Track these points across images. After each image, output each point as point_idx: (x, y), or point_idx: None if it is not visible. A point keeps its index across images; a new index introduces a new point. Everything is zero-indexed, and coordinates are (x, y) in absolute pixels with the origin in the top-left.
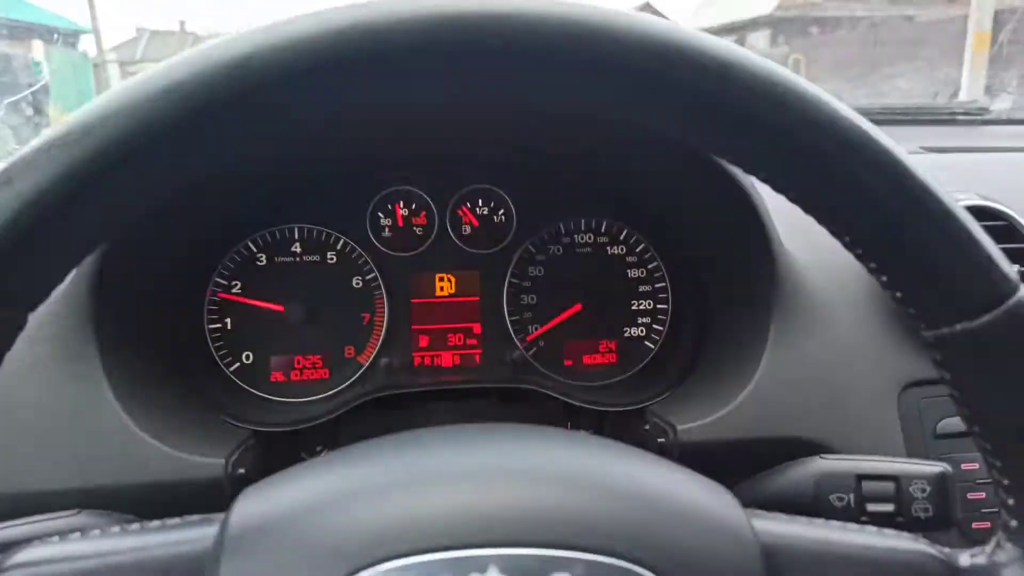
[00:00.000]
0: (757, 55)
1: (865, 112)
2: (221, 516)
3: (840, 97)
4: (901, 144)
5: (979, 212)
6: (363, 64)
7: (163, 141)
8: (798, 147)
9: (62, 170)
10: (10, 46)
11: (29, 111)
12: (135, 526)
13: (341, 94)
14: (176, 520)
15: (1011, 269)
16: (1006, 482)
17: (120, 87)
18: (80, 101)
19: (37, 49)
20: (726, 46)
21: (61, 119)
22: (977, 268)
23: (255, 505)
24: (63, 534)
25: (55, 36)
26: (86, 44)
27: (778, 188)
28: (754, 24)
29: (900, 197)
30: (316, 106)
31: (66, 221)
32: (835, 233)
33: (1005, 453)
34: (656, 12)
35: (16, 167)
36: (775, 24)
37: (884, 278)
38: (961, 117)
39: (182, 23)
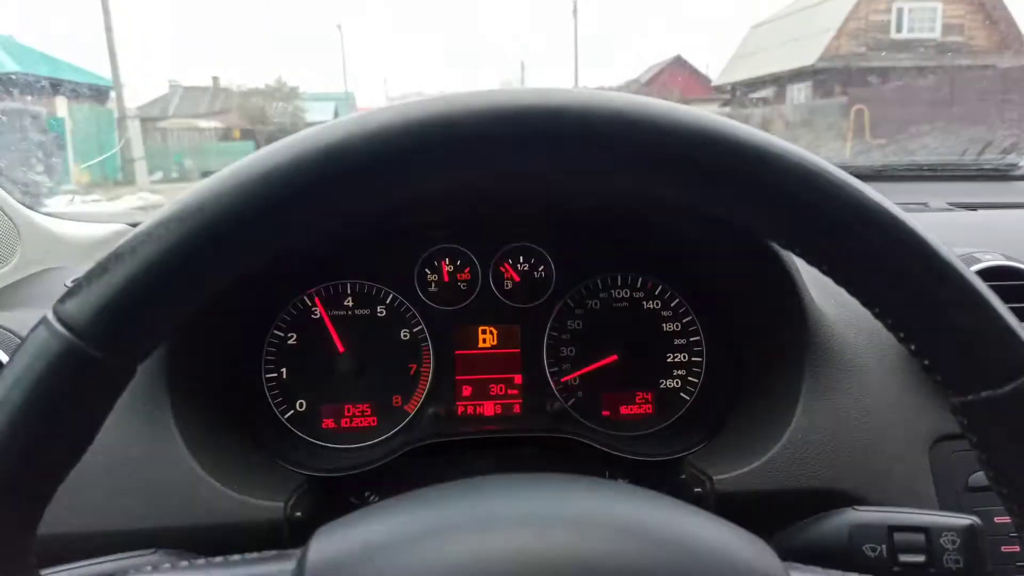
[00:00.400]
0: (787, 143)
1: (893, 169)
2: (298, 552)
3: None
4: (928, 199)
5: (1003, 272)
6: (465, 151)
7: (262, 220)
8: (830, 228)
9: (177, 240)
10: (32, 102)
11: (40, 167)
12: (219, 559)
13: (426, 179)
14: (255, 555)
15: None
16: None
17: (229, 170)
18: (102, 156)
19: (61, 105)
20: (761, 136)
21: (81, 174)
22: (999, 340)
23: (331, 543)
24: (152, 567)
25: (81, 92)
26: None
27: (811, 262)
28: (798, 75)
29: (925, 274)
30: (401, 190)
31: (177, 284)
32: (865, 304)
33: None
34: (687, 65)
35: (139, 238)
36: (821, 74)
37: (912, 347)
38: (990, 173)
39: (215, 79)
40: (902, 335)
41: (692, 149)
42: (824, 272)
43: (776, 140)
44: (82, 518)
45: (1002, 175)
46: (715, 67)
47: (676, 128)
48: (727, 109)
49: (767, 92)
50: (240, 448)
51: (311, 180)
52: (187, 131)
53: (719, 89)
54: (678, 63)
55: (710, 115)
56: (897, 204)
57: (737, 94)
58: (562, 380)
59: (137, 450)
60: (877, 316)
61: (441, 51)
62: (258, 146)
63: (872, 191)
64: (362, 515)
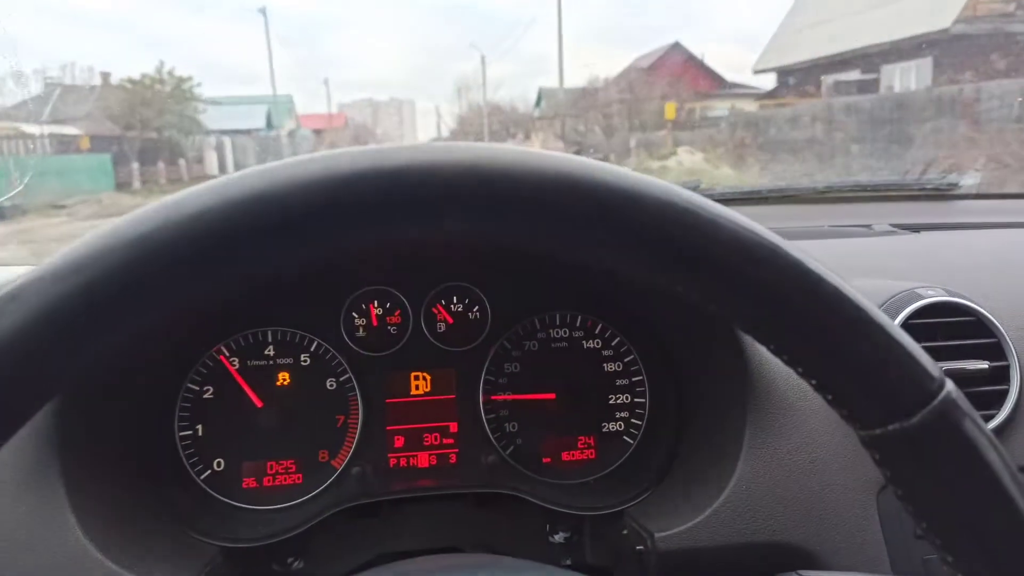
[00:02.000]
0: (649, 179)
1: (836, 190)
2: None
3: None
4: (869, 220)
5: (947, 308)
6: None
7: (137, 286)
8: (710, 267)
9: (43, 308)
10: None
11: None
12: None
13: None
14: None
15: (935, 367)
16: None
17: (101, 231)
18: None
19: None
20: (626, 175)
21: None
22: (901, 370)
23: None
24: None
25: None
26: None
27: (699, 303)
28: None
29: (814, 305)
30: (289, 258)
31: (42, 358)
32: (759, 340)
33: (954, 547)
34: (687, 52)
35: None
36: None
37: (813, 382)
38: (932, 192)
39: (105, 75)
40: (800, 370)
41: (554, 196)
42: (712, 312)
43: (640, 177)
44: None
45: (942, 195)
46: (713, 54)
47: (531, 178)
48: (772, 102)
49: (850, 75)
50: (144, 520)
51: (181, 251)
52: (12, 138)
53: (759, 73)
54: (676, 49)
55: (569, 158)
56: (840, 226)
57: (792, 81)
58: (504, 437)
59: (22, 528)
60: (773, 352)
61: (394, 39)
62: (116, 160)
63: (750, 223)
64: None
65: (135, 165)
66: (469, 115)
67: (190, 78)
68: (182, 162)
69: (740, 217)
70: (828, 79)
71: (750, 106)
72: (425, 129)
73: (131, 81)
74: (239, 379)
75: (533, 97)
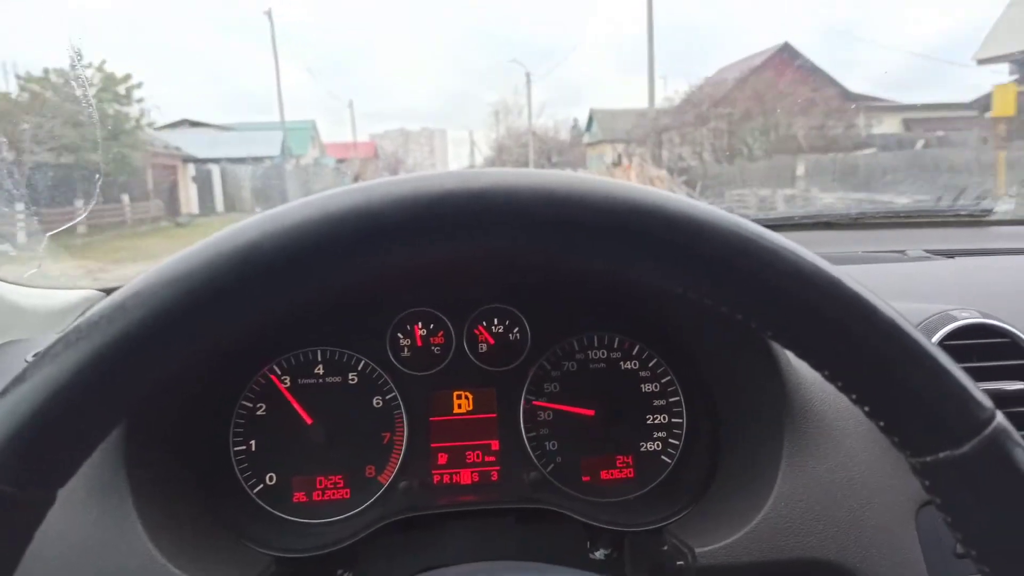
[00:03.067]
0: (719, 210)
1: (870, 216)
2: None
3: None
4: (906, 246)
5: (981, 330)
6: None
7: (177, 330)
8: (770, 294)
9: (84, 360)
10: None
11: None
12: None
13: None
14: None
15: (985, 398)
16: None
17: (145, 275)
18: None
19: None
20: (695, 205)
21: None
22: (953, 399)
23: None
24: None
25: None
26: None
27: (758, 329)
28: None
29: (870, 336)
30: (336, 283)
31: (89, 405)
32: (814, 367)
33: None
34: (797, 53)
35: (41, 357)
36: None
37: (866, 409)
38: (966, 218)
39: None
40: (854, 397)
41: (626, 222)
42: (770, 338)
43: (708, 208)
44: None
45: (976, 220)
46: (822, 54)
47: (607, 203)
48: None
49: None
50: (204, 529)
51: (226, 286)
52: None
53: (984, 63)
54: (786, 50)
55: (634, 187)
56: (874, 252)
57: None
58: (545, 455)
59: (93, 537)
60: (827, 379)
61: (425, 67)
62: None
63: (809, 253)
64: None
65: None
66: (508, 142)
67: (127, 76)
68: (125, 198)
69: (802, 249)
70: None
71: (893, 120)
72: (458, 158)
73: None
74: (289, 397)
75: (571, 123)
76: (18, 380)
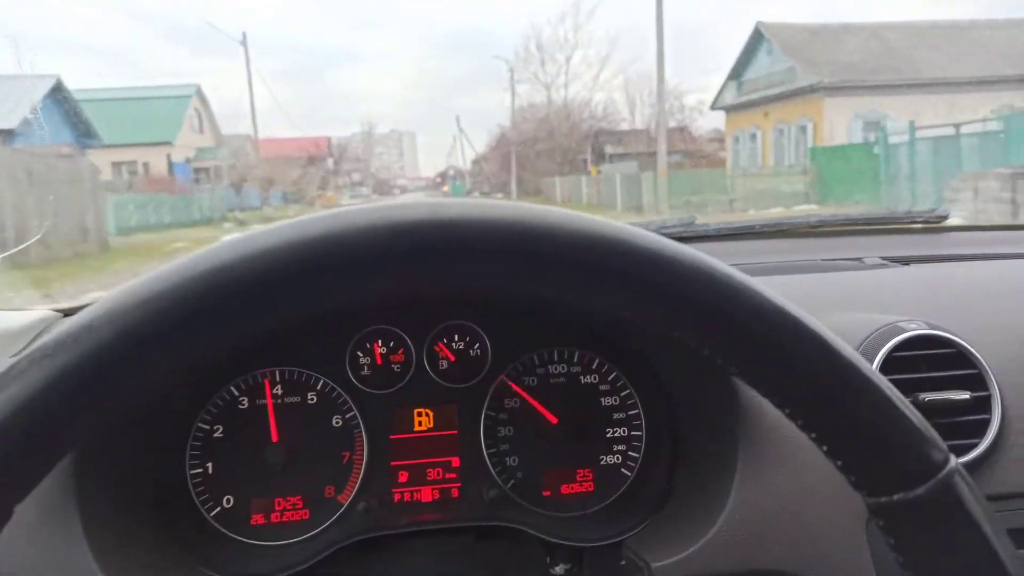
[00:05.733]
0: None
1: (828, 224)
2: None
3: None
4: (861, 253)
5: (927, 340)
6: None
7: (143, 348)
8: (734, 334)
9: (51, 378)
10: None
11: None
12: None
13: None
14: None
15: (940, 442)
16: None
17: (107, 297)
18: None
19: None
20: (655, 239)
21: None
22: (909, 442)
23: None
24: None
25: None
26: None
27: (722, 366)
28: None
29: (830, 377)
30: (300, 310)
31: (53, 423)
32: (776, 404)
33: None
34: None
35: (9, 375)
36: None
37: (824, 448)
38: (921, 225)
39: None
40: (813, 436)
41: (579, 255)
42: (733, 374)
43: (670, 243)
44: None
45: (932, 227)
46: None
47: (566, 236)
48: None
49: None
50: (158, 553)
51: (198, 308)
52: None
53: None
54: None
55: (588, 218)
56: (832, 259)
57: None
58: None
59: (42, 559)
60: (788, 416)
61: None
62: None
63: (777, 296)
64: None
65: None
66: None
67: None
68: None
69: (767, 290)
70: None
71: None
72: (427, 161)
73: None
74: (247, 418)
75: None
76: None
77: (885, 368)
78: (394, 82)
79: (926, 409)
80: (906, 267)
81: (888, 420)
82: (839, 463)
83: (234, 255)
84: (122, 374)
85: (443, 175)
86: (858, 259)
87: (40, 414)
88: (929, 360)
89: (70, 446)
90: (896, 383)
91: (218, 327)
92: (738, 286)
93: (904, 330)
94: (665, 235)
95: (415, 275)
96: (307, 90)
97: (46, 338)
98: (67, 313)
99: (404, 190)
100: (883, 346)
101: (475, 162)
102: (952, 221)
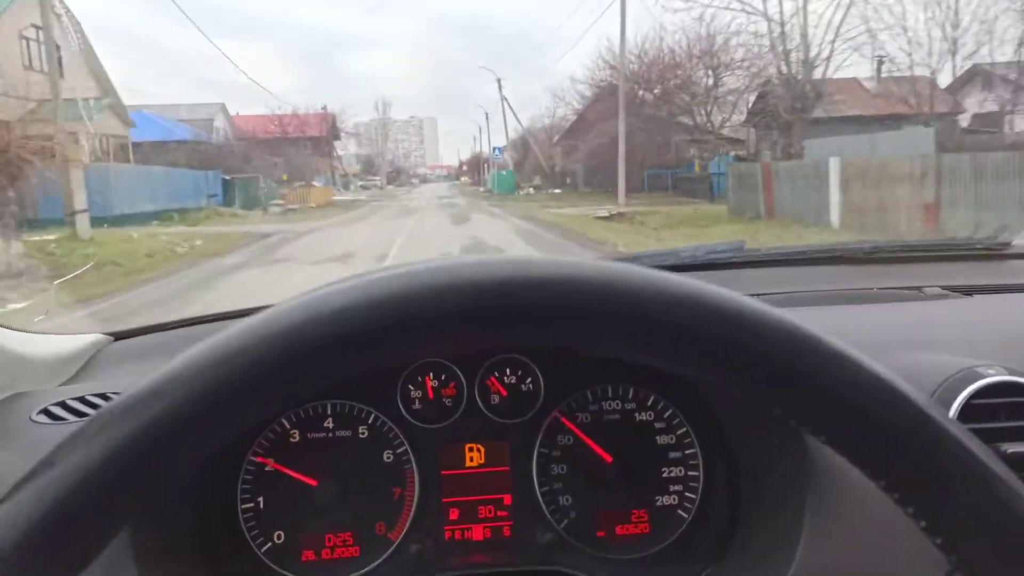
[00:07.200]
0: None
1: (884, 251)
2: None
3: None
4: (919, 282)
5: (1009, 388)
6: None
7: (224, 410)
8: (822, 404)
9: (116, 444)
10: None
11: None
12: None
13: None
14: None
15: None
16: None
17: (178, 361)
18: None
19: None
20: (717, 293)
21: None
22: (1010, 512)
23: None
24: None
25: None
26: None
27: (804, 430)
28: None
29: (932, 451)
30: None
31: (119, 492)
32: (869, 477)
33: None
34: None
35: (72, 438)
36: None
37: (922, 524)
38: (982, 252)
39: None
40: (909, 511)
41: (643, 310)
42: (823, 442)
43: (731, 296)
44: None
45: (994, 254)
46: None
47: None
48: None
49: None
50: None
51: (272, 370)
52: None
53: None
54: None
55: (657, 275)
56: (889, 288)
57: None
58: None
59: None
60: (882, 489)
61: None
62: None
63: (869, 361)
64: None
65: None
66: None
67: None
68: None
69: (861, 356)
70: None
71: None
72: (448, 149)
73: None
74: (299, 451)
75: None
76: (46, 463)
77: (962, 417)
78: (411, 67)
79: (1009, 461)
80: (969, 298)
81: (990, 496)
82: (938, 541)
83: (305, 316)
84: (191, 439)
85: (475, 160)
86: (917, 288)
87: (106, 484)
88: (1010, 408)
89: (136, 511)
90: (974, 433)
91: (290, 388)
92: (831, 350)
93: (982, 376)
94: (715, 261)
95: (504, 337)
96: (321, 73)
97: (115, 401)
98: (118, 337)
99: (425, 180)
100: (959, 393)
101: (513, 143)
102: (1015, 248)
